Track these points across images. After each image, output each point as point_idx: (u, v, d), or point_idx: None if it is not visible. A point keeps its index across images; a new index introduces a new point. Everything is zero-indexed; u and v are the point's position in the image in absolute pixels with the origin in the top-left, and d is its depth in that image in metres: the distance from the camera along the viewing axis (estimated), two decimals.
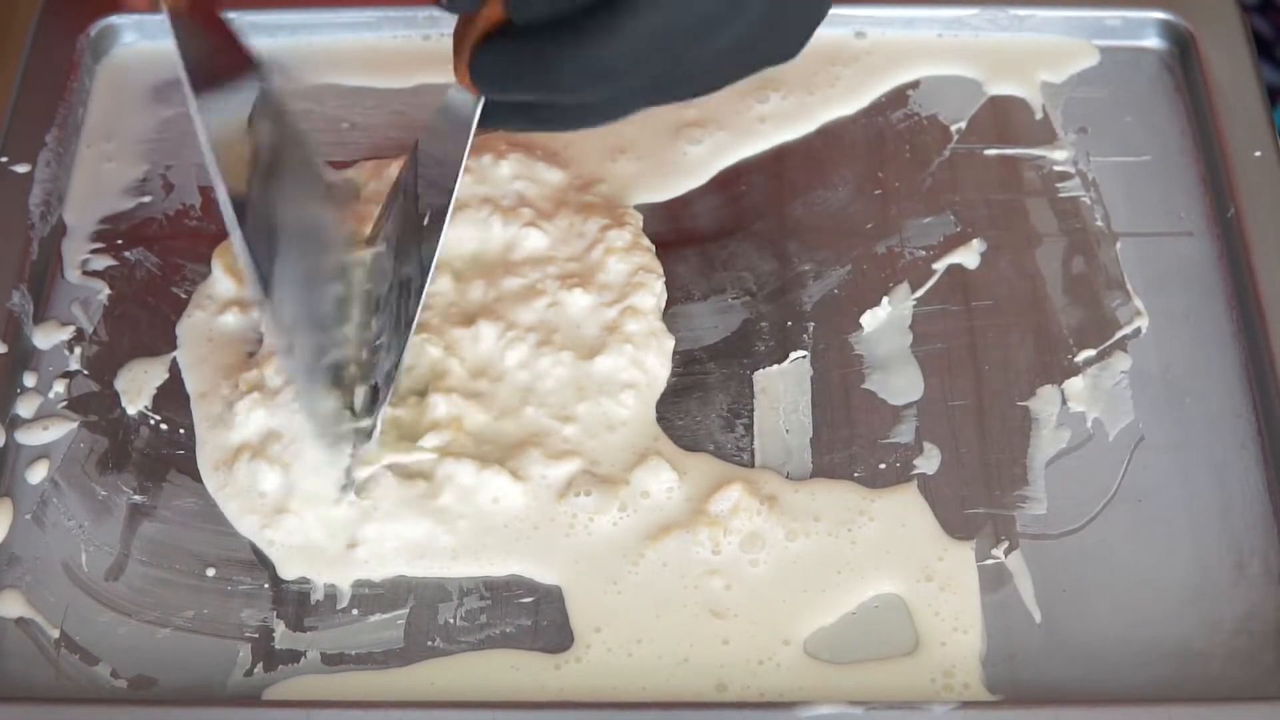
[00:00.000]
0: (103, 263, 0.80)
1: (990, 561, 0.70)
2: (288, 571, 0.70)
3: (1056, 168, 0.83)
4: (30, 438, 0.74)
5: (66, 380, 0.76)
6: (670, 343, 0.76)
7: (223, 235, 0.80)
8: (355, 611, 0.69)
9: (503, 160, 0.80)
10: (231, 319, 0.76)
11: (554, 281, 0.76)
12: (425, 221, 0.67)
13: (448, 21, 0.87)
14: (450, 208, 0.67)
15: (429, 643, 0.68)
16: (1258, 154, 0.81)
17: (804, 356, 0.76)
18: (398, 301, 0.69)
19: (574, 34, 0.59)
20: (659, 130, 0.84)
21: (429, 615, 0.69)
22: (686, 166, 0.83)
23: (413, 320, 0.68)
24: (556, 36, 0.60)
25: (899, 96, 0.86)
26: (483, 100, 0.65)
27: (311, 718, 0.65)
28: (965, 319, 0.78)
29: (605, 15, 0.59)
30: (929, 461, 0.73)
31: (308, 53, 0.88)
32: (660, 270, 0.78)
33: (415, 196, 0.69)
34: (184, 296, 0.79)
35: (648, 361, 0.75)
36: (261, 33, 0.88)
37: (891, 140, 0.84)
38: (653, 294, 0.77)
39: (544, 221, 0.78)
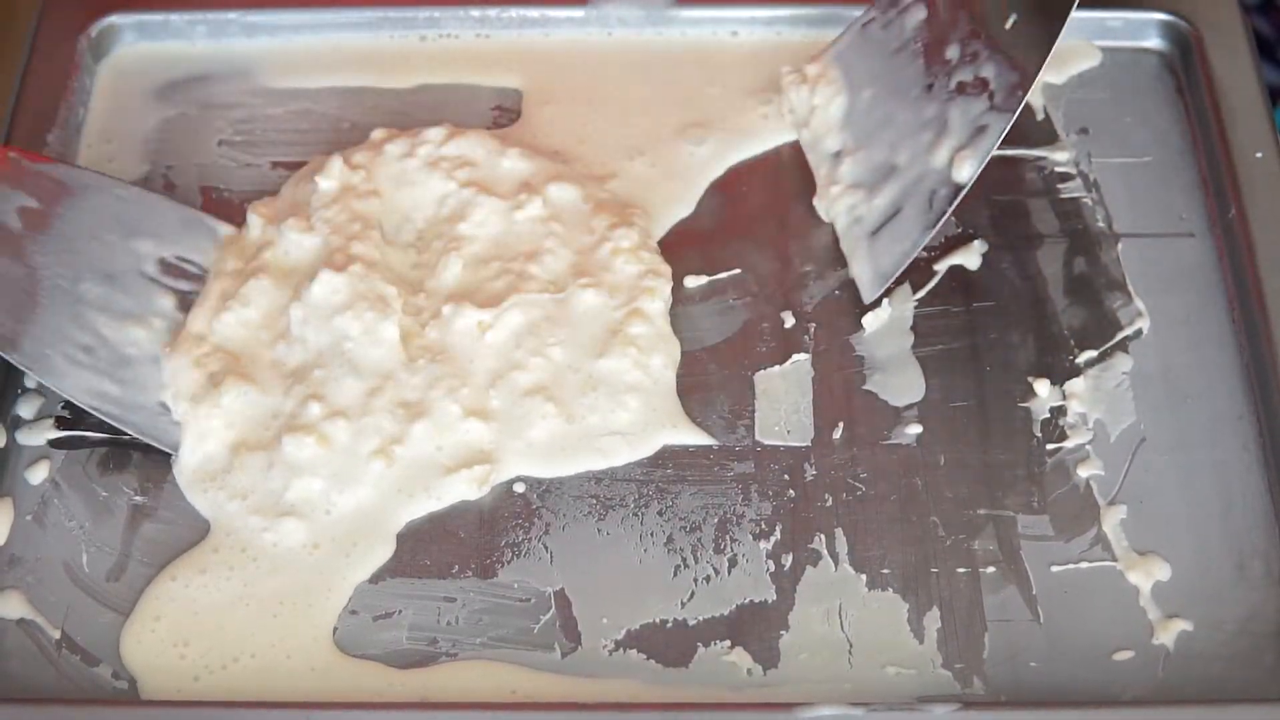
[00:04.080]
0: None
1: (991, 562, 0.70)
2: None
3: (1058, 168, 0.83)
4: (31, 438, 0.74)
5: None
6: (677, 348, 0.76)
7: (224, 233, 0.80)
8: (356, 611, 0.69)
9: (505, 154, 0.81)
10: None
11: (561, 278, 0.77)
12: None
13: (448, 22, 0.88)
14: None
15: (430, 643, 0.68)
16: (1259, 155, 0.81)
17: (805, 357, 0.76)
18: None
19: None
20: (663, 131, 0.84)
21: (430, 616, 0.69)
22: (692, 167, 0.83)
23: None
24: None
25: None
26: None
27: (312, 718, 0.65)
28: (966, 320, 0.78)
29: None
30: (931, 463, 0.73)
31: (308, 53, 0.88)
32: (669, 274, 0.78)
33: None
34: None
35: (653, 364, 0.75)
36: (262, 33, 0.88)
37: None
38: (661, 298, 0.77)
39: (552, 220, 0.79)
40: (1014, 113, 0.73)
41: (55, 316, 0.73)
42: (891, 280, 0.76)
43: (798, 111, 0.83)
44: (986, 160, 0.74)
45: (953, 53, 0.77)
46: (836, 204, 0.79)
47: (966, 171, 0.74)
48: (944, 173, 0.75)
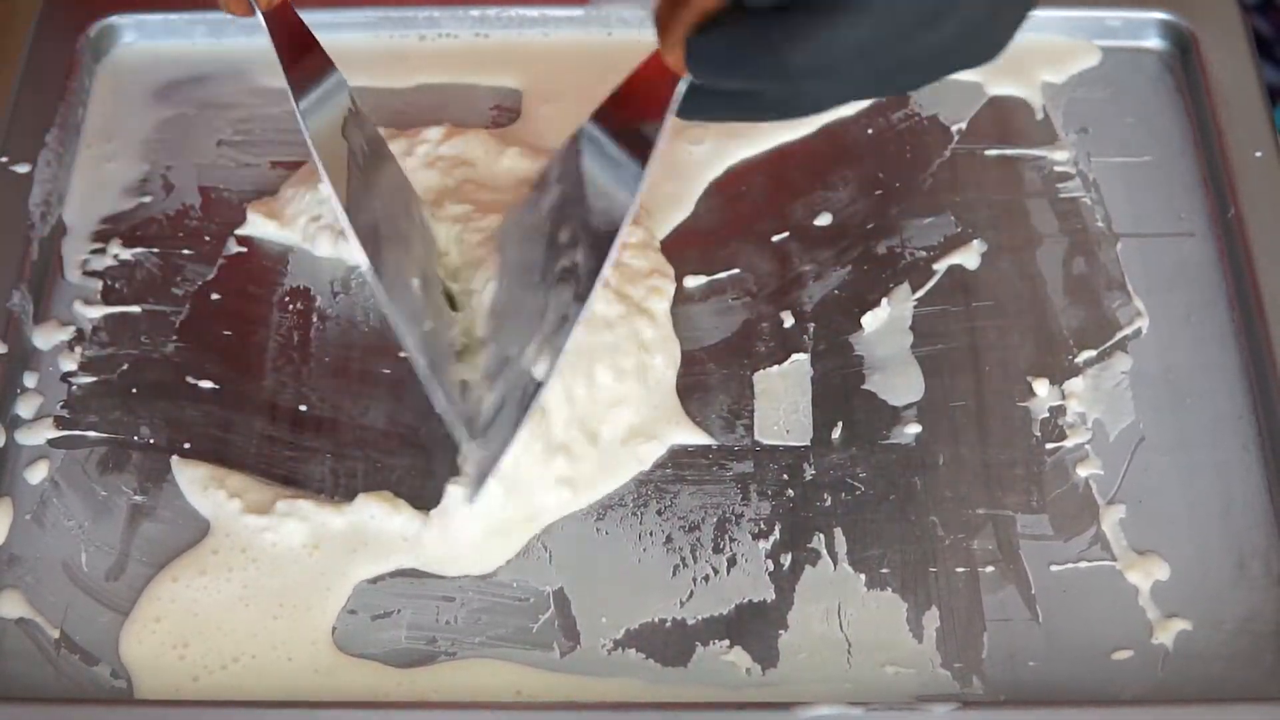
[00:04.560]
0: (103, 263, 0.80)
1: (990, 562, 0.70)
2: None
3: (1057, 168, 0.83)
4: (30, 438, 0.74)
5: (66, 380, 0.76)
6: (677, 349, 0.76)
7: (224, 236, 0.80)
8: (355, 611, 0.69)
9: (504, 155, 0.80)
10: None
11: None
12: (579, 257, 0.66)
13: (448, 21, 0.88)
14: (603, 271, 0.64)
15: (429, 643, 0.68)
16: (1258, 154, 0.81)
17: (804, 357, 0.76)
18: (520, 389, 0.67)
19: (806, 22, 0.57)
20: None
21: (429, 615, 0.69)
22: (691, 166, 0.83)
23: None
24: (785, 24, 0.57)
25: (900, 97, 0.86)
26: (683, 87, 0.62)
27: (312, 718, 0.65)
28: (966, 320, 0.77)
29: (839, 4, 0.57)
30: (930, 462, 0.73)
31: None
32: (672, 274, 0.78)
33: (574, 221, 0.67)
34: (183, 296, 0.79)
35: (655, 364, 0.75)
36: (261, 33, 0.87)
37: (892, 140, 0.84)
38: (665, 298, 0.76)
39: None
40: (586, 300, 0.63)
41: (399, 262, 0.71)
42: (484, 482, 0.66)
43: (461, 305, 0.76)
44: (560, 355, 0.64)
45: (565, 235, 0.67)
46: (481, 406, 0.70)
47: (541, 368, 0.65)
48: (530, 365, 0.66)
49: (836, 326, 0.77)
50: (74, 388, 0.76)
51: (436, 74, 0.87)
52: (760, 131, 0.84)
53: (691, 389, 0.75)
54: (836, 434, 0.74)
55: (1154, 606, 0.69)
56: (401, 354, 0.77)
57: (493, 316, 0.73)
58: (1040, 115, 0.85)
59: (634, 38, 0.88)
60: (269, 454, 0.74)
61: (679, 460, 0.73)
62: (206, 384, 0.76)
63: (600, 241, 0.64)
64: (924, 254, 0.80)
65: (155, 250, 0.80)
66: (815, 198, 0.82)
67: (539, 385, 0.64)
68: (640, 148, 0.63)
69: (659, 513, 0.72)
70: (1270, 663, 0.67)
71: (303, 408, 0.75)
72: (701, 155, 0.83)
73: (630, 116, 0.64)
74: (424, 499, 0.72)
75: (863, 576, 0.70)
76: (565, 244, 0.67)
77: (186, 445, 0.74)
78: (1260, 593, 0.69)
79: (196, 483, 0.72)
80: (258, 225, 0.79)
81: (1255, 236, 0.78)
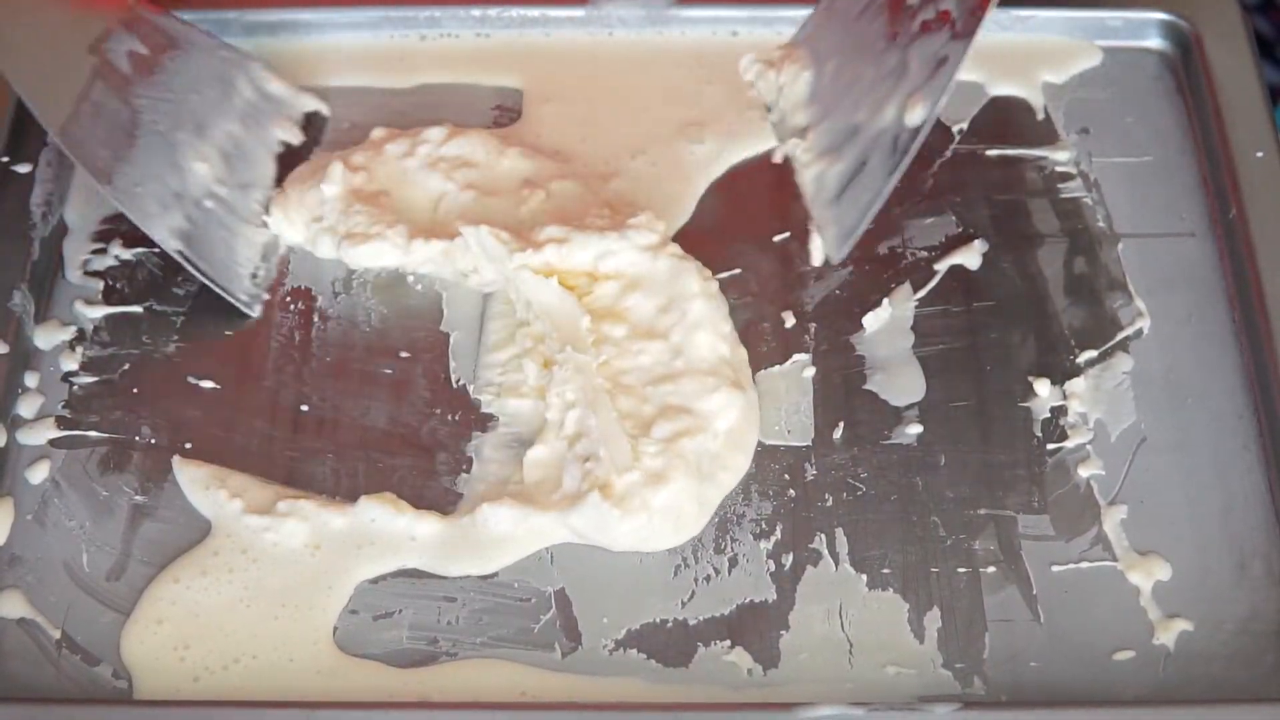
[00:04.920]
0: (104, 263, 0.80)
1: (991, 562, 0.70)
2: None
3: (1058, 168, 0.83)
4: (31, 438, 0.74)
5: (68, 380, 0.76)
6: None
7: None
8: (356, 611, 0.69)
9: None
10: None
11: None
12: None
13: (448, 21, 0.88)
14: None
15: (430, 643, 0.68)
16: (1260, 154, 0.81)
17: (805, 357, 0.76)
18: None
19: None
20: (663, 130, 0.84)
21: (430, 615, 0.69)
22: (692, 166, 0.83)
23: None
24: None
25: None
26: None
27: (312, 718, 0.65)
28: (967, 320, 0.77)
29: None
30: (931, 463, 0.73)
31: (308, 53, 0.88)
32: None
33: None
34: (184, 296, 0.79)
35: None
36: (262, 32, 0.88)
37: None
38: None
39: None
40: (973, 35, 0.67)
41: (150, 159, 0.76)
42: (857, 235, 0.70)
43: (766, 96, 0.79)
44: (945, 94, 0.67)
45: None
46: (805, 177, 0.74)
47: (918, 114, 0.68)
48: (899, 119, 0.69)
49: (838, 327, 0.77)
50: (75, 387, 0.76)
51: (437, 74, 0.87)
52: (760, 133, 0.84)
53: None
54: (838, 434, 0.74)
55: (1155, 607, 0.69)
56: (403, 354, 0.77)
57: (817, 100, 0.75)
58: (1041, 115, 0.85)
59: (634, 37, 0.88)
60: (270, 454, 0.74)
61: None
62: (207, 384, 0.76)
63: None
64: (925, 254, 0.80)
65: (156, 250, 0.80)
66: None
67: (916, 131, 0.67)
68: None
69: None
70: (1271, 663, 0.67)
71: (304, 408, 0.75)
72: (703, 155, 0.83)
73: None
74: (424, 499, 0.72)
75: (864, 577, 0.70)
76: (915, 4, 0.71)
77: (187, 445, 0.74)
78: (1261, 593, 0.69)
79: (197, 483, 0.72)
80: (280, 224, 0.79)
81: (1256, 236, 0.78)
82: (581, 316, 0.74)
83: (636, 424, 0.72)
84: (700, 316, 0.74)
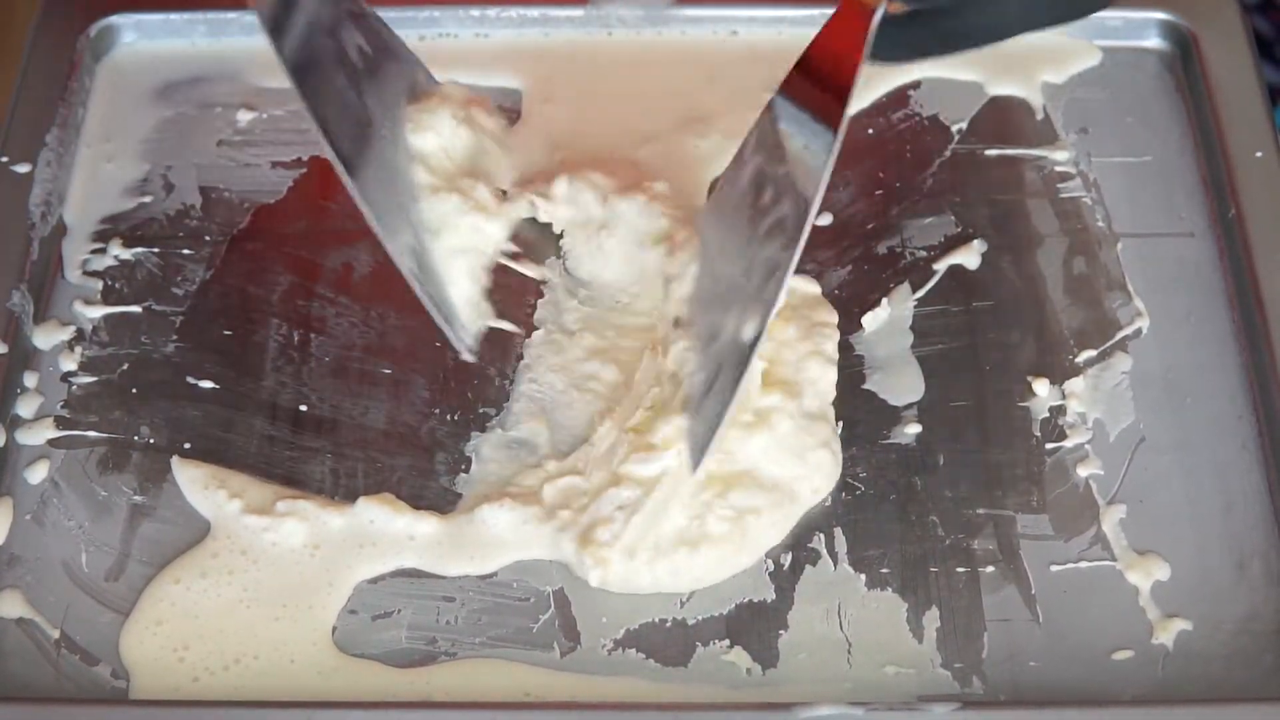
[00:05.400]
0: (103, 263, 0.80)
1: (990, 562, 0.70)
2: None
3: (1057, 168, 0.83)
4: (30, 438, 0.74)
5: (67, 380, 0.76)
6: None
7: (224, 236, 0.80)
8: (355, 611, 0.69)
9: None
10: None
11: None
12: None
13: (448, 21, 0.88)
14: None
15: (429, 643, 0.68)
16: (1259, 154, 0.81)
17: None
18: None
19: None
20: (663, 131, 0.84)
21: (429, 615, 0.69)
22: (694, 162, 0.83)
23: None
24: None
25: (900, 96, 0.86)
26: (879, 17, 0.63)
27: (312, 718, 0.65)
28: (966, 319, 0.77)
29: None
30: (930, 462, 0.73)
31: None
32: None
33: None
34: (184, 296, 0.79)
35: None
36: (261, 33, 0.87)
37: (892, 140, 0.84)
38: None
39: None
40: (798, 244, 0.64)
41: (382, 169, 0.71)
42: (703, 455, 0.67)
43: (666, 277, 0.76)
44: (773, 308, 0.64)
45: (767, 196, 0.68)
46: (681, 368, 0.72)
47: (749, 330, 0.65)
48: (737, 332, 0.66)
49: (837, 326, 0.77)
50: (74, 388, 0.76)
51: (436, 74, 0.86)
52: None
53: None
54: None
55: (1154, 606, 0.69)
56: (403, 354, 0.77)
57: (697, 298, 0.72)
58: (1040, 115, 0.85)
59: (634, 37, 0.88)
60: (269, 454, 0.74)
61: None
62: (207, 384, 0.76)
63: (804, 191, 0.65)
64: (924, 254, 0.80)
65: (155, 250, 0.80)
66: None
67: (751, 345, 0.65)
68: (830, 115, 0.65)
69: None
70: (1270, 663, 0.67)
71: (303, 408, 0.75)
72: (706, 151, 0.83)
73: (817, 84, 0.66)
74: (424, 499, 0.72)
75: (863, 576, 0.70)
76: (768, 204, 0.67)
77: (187, 445, 0.74)
78: (1260, 593, 0.69)
79: (197, 483, 0.72)
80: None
81: (1255, 236, 0.78)
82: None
83: (709, 480, 0.70)
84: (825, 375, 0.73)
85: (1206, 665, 0.67)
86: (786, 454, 0.71)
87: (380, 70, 0.74)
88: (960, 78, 0.86)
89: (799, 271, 0.74)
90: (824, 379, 0.73)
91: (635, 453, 0.70)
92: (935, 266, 0.79)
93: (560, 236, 0.79)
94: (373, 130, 0.72)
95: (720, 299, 0.70)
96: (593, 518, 0.69)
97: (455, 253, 0.73)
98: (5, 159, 0.82)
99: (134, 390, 0.76)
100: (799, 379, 0.72)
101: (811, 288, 0.76)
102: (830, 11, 0.86)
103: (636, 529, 0.69)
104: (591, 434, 0.73)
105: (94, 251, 0.80)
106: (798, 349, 0.73)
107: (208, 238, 0.81)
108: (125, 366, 0.76)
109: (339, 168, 0.67)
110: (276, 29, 0.68)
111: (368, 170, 0.69)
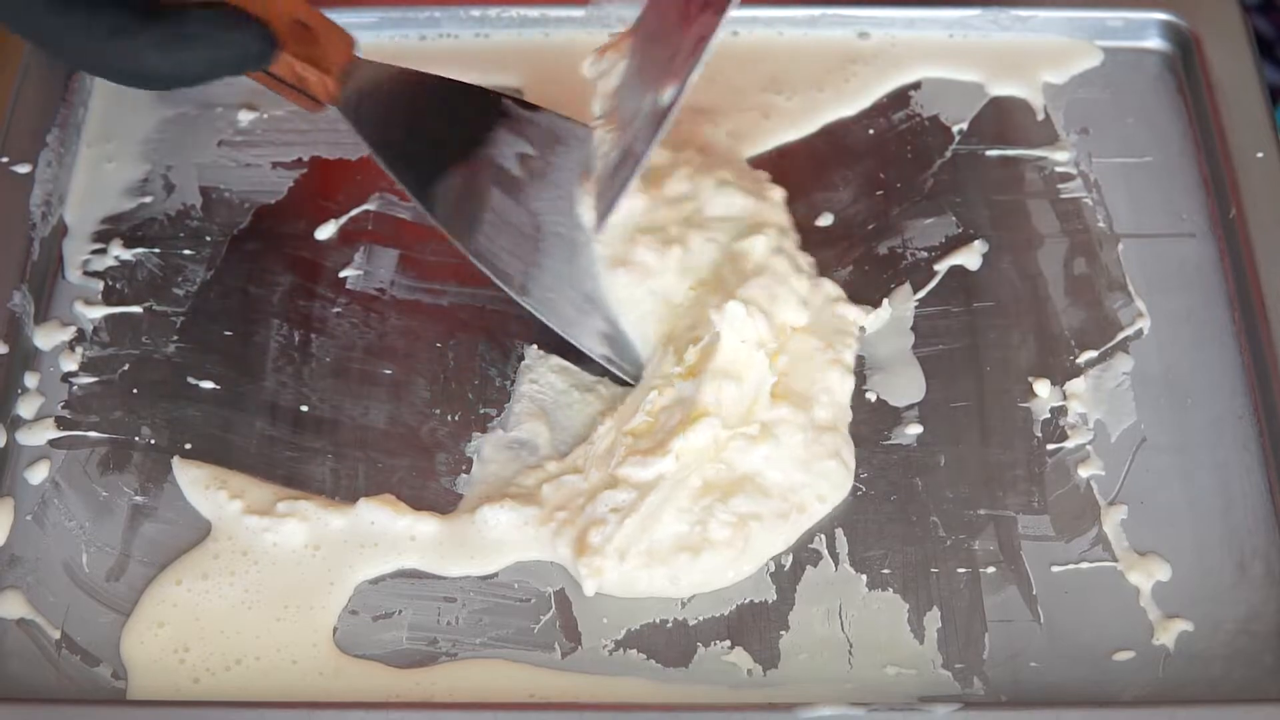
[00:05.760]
0: (103, 263, 0.80)
1: (991, 562, 0.70)
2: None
3: (1058, 169, 0.83)
4: (31, 438, 0.74)
5: (67, 381, 0.76)
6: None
7: (225, 236, 0.80)
8: (356, 612, 0.69)
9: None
10: None
11: None
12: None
13: (448, 21, 0.88)
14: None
15: (430, 643, 0.68)
16: (1260, 155, 0.81)
17: None
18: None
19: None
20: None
21: (430, 616, 0.69)
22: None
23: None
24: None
25: (901, 97, 0.86)
26: None
27: (312, 718, 0.65)
28: (967, 320, 0.77)
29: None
30: (931, 463, 0.73)
31: None
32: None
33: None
34: (184, 296, 0.79)
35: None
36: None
37: (893, 141, 0.84)
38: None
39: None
40: (724, 10, 0.66)
41: (558, 263, 0.74)
42: (613, 209, 0.71)
43: (596, 85, 0.77)
44: (694, 71, 0.66)
45: None
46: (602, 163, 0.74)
47: (668, 94, 0.68)
48: (656, 99, 0.68)
49: None
50: (75, 388, 0.76)
51: (437, 74, 0.87)
52: (763, 131, 0.84)
53: None
54: None
55: (1155, 607, 0.69)
56: (403, 354, 0.77)
57: (621, 93, 0.74)
58: (1041, 116, 0.85)
59: None
60: (270, 454, 0.74)
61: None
62: (207, 384, 0.76)
63: None
64: (925, 254, 0.80)
65: (156, 250, 0.80)
66: (816, 198, 0.82)
67: (666, 109, 0.66)
68: None
69: None
70: (1271, 663, 0.67)
71: (303, 408, 0.75)
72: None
73: None
74: (425, 500, 0.72)
75: (864, 577, 0.70)
76: None
77: (187, 446, 0.74)
78: (1261, 593, 0.69)
79: (197, 483, 0.72)
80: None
81: (1256, 237, 0.78)
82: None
83: (709, 487, 0.70)
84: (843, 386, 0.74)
85: (1207, 666, 0.67)
86: (793, 464, 0.71)
87: (549, 165, 0.76)
88: (961, 78, 0.86)
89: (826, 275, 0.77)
90: (841, 388, 0.73)
91: (632, 455, 0.70)
92: (936, 267, 0.79)
93: None
94: (540, 230, 0.74)
95: (639, 85, 0.71)
96: (588, 519, 0.69)
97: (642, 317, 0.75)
98: (6, 159, 0.82)
99: (135, 391, 0.76)
100: (812, 390, 0.72)
101: (836, 291, 0.76)
102: (830, 12, 0.87)
103: (629, 532, 0.68)
104: (592, 433, 0.73)
105: (94, 252, 0.80)
106: (816, 359, 0.73)
107: (208, 238, 0.81)
108: (126, 367, 0.76)
109: (512, 295, 0.72)
110: (428, 202, 0.72)
111: (538, 274, 0.73)
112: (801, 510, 0.71)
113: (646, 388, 0.72)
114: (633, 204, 0.76)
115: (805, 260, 0.78)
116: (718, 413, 0.70)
